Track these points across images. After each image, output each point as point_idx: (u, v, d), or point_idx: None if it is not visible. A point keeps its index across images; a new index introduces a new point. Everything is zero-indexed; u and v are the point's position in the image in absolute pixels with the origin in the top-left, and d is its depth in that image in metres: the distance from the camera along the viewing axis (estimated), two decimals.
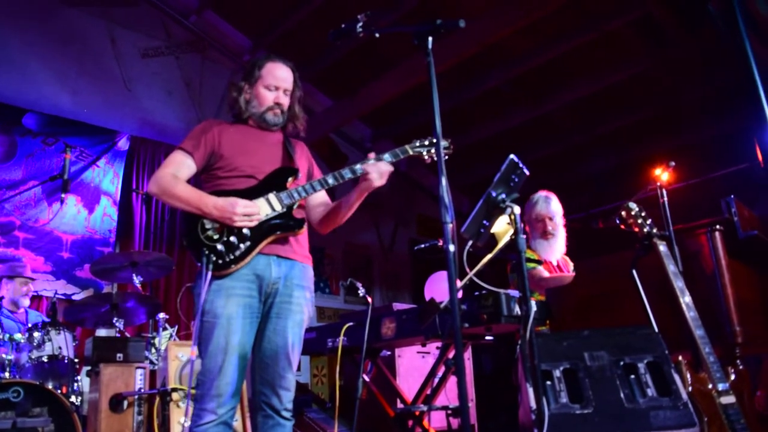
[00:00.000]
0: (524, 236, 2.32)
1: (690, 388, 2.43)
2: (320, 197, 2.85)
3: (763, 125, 3.11)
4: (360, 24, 2.41)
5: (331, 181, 2.64)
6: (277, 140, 2.81)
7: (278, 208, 2.57)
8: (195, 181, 2.67)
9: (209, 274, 2.43)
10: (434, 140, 2.60)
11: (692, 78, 7.08)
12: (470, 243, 2.41)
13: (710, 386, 2.52)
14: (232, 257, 2.46)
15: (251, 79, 2.77)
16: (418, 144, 2.77)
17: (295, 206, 2.62)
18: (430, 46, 2.22)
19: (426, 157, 2.77)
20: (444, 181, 2.06)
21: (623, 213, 2.89)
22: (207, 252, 2.45)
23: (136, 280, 4.52)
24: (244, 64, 7.74)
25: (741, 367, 2.71)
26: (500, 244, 2.92)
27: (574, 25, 6.50)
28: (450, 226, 2.03)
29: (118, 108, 6.81)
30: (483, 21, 5.50)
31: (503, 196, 2.34)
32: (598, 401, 2.34)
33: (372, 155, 2.68)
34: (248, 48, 7.79)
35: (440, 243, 3.51)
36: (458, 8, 6.55)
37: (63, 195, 4.07)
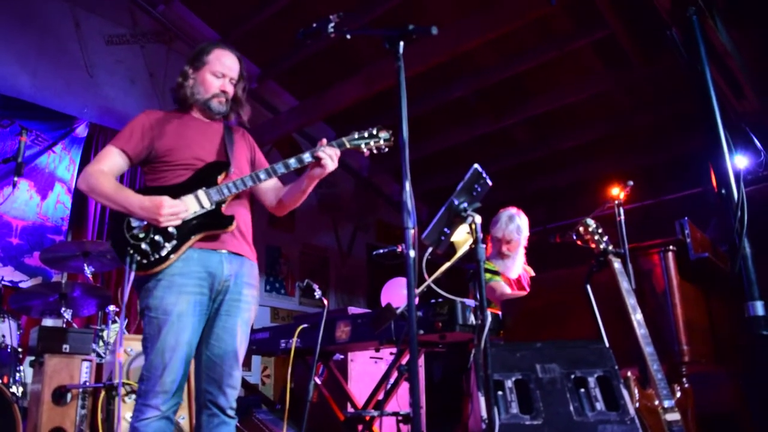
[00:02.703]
0: (484, 246, 2.34)
1: (637, 404, 2.48)
2: (269, 183, 2.79)
3: (718, 151, 3.19)
4: (332, 24, 2.41)
5: (263, 176, 2.61)
6: (217, 131, 2.77)
7: (207, 205, 2.53)
8: (138, 172, 2.62)
9: (132, 274, 2.41)
10: (372, 132, 2.72)
11: (650, 101, 7.27)
12: (430, 250, 2.42)
13: (657, 403, 2.57)
14: (157, 257, 2.44)
15: (198, 64, 2.73)
16: (356, 136, 2.73)
17: (225, 203, 2.57)
18: (401, 50, 2.23)
19: (364, 150, 2.73)
20: (408, 186, 2.06)
21: (581, 229, 2.94)
22: (131, 252, 2.43)
23: (88, 270, 4.41)
24: None
25: (686, 385, 2.77)
26: (459, 253, 2.94)
27: (538, 42, 6.61)
28: (412, 231, 2.04)
29: (78, 94, 6.65)
30: (451, 31, 5.55)
31: (465, 205, 2.35)
32: (548, 413, 2.36)
33: (324, 141, 2.66)
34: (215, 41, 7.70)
35: (399, 249, 3.53)
36: (427, 16, 6.61)
37: (16, 179, 3.94)
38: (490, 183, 2.44)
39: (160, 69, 7.46)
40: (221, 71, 2.72)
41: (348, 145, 2.71)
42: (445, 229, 2.36)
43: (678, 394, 2.68)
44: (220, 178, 2.60)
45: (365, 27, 6.55)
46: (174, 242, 2.46)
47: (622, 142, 7.86)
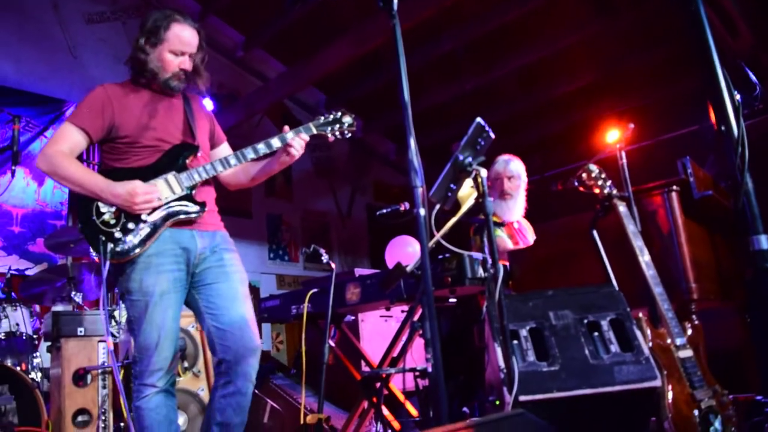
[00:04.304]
0: (491, 199, 2.35)
1: (650, 344, 2.52)
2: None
3: (717, 88, 3.19)
4: None
5: (233, 161, 2.60)
6: (178, 106, 2.69)
7: (178, 191, 2.51)
8: (96, 150, 2.57)
9: (108, 263, 2.37)
10: (337, 115, 2.73)
11: (639, 44, 7.19)
12: (437, 207, 2.43)
13: (669, 341, 2.61)
14: (131, 244, 2.39)
15: (154, 40, 2.57)
16: (322, 121, 2.72)
17: (195, 188, 2.55)
18: (395, 8, 2.19)
19: (329, 136, 2.73)
20: (413, 144, 2.05)
21: (584, 175, 2.95)
22: (104, 239, 2.36)
23: (93, 252, 4.41)
24: None
25: (696, 322, 2.81)
26: (464, 208, 2.95)
27: None
28: (420, 189, 2.04)
29: (64, 76, 6.57)
30: None
31: (470, 159, 2.36)
32: (564, 358, 2.40)
33: (287, 128, 2.65)
34: (197, 12, 7.56)
35: (402, 208, 3.55)
36: None
37: (14, 168, 3.92)
38: (493, 136, 2.44)
39: None
40: (180, 49, 2.58)
41: (314, 131, 2.70)
42: (452, 185, 2.37)
43: (689, 332, 2.72)
44: (188, 161, 2.57)
45: None
46: (147, 230, 2.42)
47: (613, 86, 7.80)
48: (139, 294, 2.42)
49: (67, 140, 2.45)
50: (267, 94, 7.57)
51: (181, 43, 2.58)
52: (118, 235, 2.39)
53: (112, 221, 2.40)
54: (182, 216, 2.51)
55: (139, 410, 2.44)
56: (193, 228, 2.55)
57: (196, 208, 2.54)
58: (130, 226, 2.40)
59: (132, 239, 2.40)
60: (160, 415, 2.44)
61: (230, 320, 2.52)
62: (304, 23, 7.35)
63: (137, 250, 2.40)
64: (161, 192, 2.47)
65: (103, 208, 2.41)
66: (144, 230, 2.42)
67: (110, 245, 2.36)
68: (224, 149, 2.85)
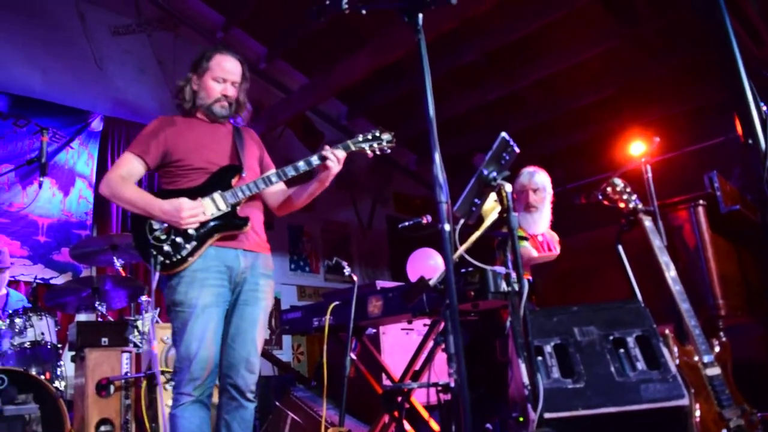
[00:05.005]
0: (516, 214, 2.34)
1: (677, 361, 2.48)
2: (276, 185, 2.91)
3: (743, 100, 3.13)
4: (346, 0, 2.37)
5: (274, 179, 2.75)
6: (226, 132, 2.89)
7: (223, 207, 2.67)
8: (154, 177, 2.73)
9: (157, 274, 2.58)
10: (375, 134, 2.86)
11: (660, 54, 7.13)
12: (462, 221, 2.42)
13: (696, 358, 2.57)
14: (179, 257, 2.58)
15: (199, 70, 2.83)
16: (360, 139, 2.85)
17: (239, 205, 2.71)
18: (420, 22, 2.20)
19: (368, 152, 2.86)
20: (438, 158, 2.05)
21: (608, 189, 2.92)
22: (155, 253, 2.57)
23: (118, 263, 4.47)
24: (217, 40, 7.62)
25: (724, 338, 2.77)
26: (487, 221, 2.94)
27: (546, 1, 6.48)
28: (445, 205, 2.03)
29: (90, 87, 6.67)
30: None
31: (494, 174, 2.34)
32: (589, 375, 2.37)
33: (327, 147, 2.78)
34: (221, 25, 7.66)
35: (424, 220, 3.54)
36: None
37: (41, 178, 4.00)
38: (517, 150, 2.43)
39: (168, 56, 7.44)
40: (222, 76, 2.81)
41: (353, 148, 2.83)
42: (476, 200, 2.36)
43: (716, 349, 2.68)
44: (233, 180, 2.74)
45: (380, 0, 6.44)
46: (194, 243, 2.60)
47: (636, 97, 7.74)
48: (183, 306, 2.59)
49: (125, 166, 2.71)
50: (289, 106, 7.62)
51: (222, 70, 2.81)
52: (167, 248, 2.58)
53: (163, 237, 2.59)
54: (227, 231, 2.68)
55: (174, 418, 2.57)
56: (238, 247, 2.71)
57: (239, 223, 2.70)
58: (179, 240, 2.59)
59: (179, 253, 2.59)
60: (193, 425, 2.56)
61: (242, 341, 2.69)
62: (325, 35, 7.39)
63: (184, 264, 2.59)
64: (207, 209, 2.64)
65: (155, 225, 2.61)
66: (190, 245, 2.60)
67: (160, 258, 2.56)
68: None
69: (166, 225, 2.60)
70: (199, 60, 2.86)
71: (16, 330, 4.09)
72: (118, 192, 2.65)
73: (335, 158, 2.73)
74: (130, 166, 2.72)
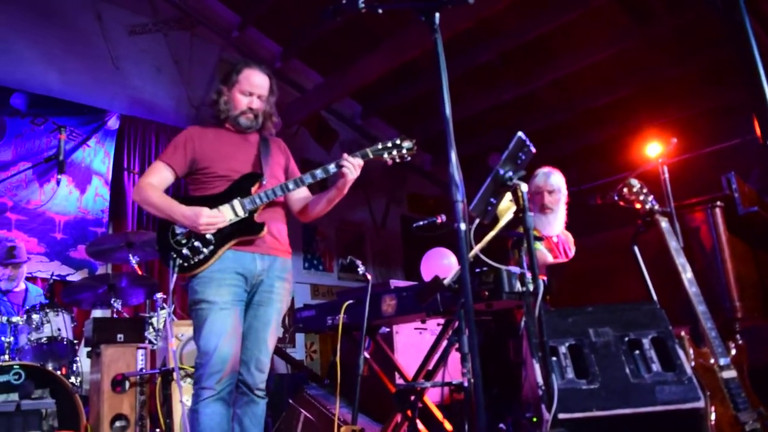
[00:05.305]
0: (532, 214, 2.33)
1: (693, 363, 2.47)
2: (300, 192, 3.02)
3: (762, 101, 3.11)
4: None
5: (291, 186, 2.83)
6: (253, 142, 3.00)
7: (241, 213, 2.78)
8: (182, 184, 2.95)
9: (175, 275, 2.72)
10: (396, 142, 2.91)
11: (677, 55, 7.07)
12: (477, 221, 2.42)
13: (712, 361, 2.55)
14: (196, 260, 2.72)
15: (229, 83, 2.97)
16: (380, 147, 2.90)
17: (257, 211, 2.81)
18: (437, 22, 2.20)
19: (387, 160, 2.91)
20: (454, 157, 2.05)
21: (625, 189, 2.90)
22: (174, 255, 2.72)
23: (133, 260, 4.50)
24: (233, 40, 7.65)
25: (740, 341, 2.75)
26: (502, 221, 2.93)
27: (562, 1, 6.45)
28: (461, 204, 2.04)
29: (106, 86, 6.71)
30: None
31: (510, 173, 2.33)
32: (604, 377, 2.37)
33: (345, 155, 2.84)
34: (237, 24, 7.68)
35: (438, 220, 3.54)
36: None
37: (59, 176, 4.05)
38: (533, 150, 2.42)
39: (184, 55, 7.48)
40: (249, 90, 2.94)
41: (371, 156, 2.88)
42: (492, 199, 2.35)
43: (733, 351, 2.66)
44: (253, 188, 2.84)
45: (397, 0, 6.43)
46: (211, 247, 2.73)
47: (652, 98, 7.68)
48: (202, 304, 2.70)
49: (154, 174, 2.87)
50: (304, 105, 7.64)
51: (249, 84, 2.94)
52: (185, 252, 2.72)
53: (183, 241, 2.74)
54: (243, 236, 2.78)
55: (195, 413, 2.63)
56: (255, 251, 2.81)
57: (256, 228, 2.79)
58: (197, 245, 2.72)
59: (197, 256, 2.72)
60: (214, 422, 2.62)
61: (255, 340, 2.81)
62: (340, 34, 7.40)
63: (202, 267, 2.71)
64: (226, 215, 2.76)
65: (178, 230, 2.76)
66: (208, 248, 2.72)
67: (179, 261, 2.71)
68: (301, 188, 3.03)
69: (187, 230, 2.73)
70: (229, 73, 2.99)
71: (33, 326, 4.13)
72: (146, 198, 2.80)
73: (352, 166, 2.79)
74: (160, 174, 2.86)
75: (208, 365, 2.63)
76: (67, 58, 6.46)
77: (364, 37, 7.13)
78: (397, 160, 2.91)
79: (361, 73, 6.86)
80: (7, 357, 3.91)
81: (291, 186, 2.83)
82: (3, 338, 3.96)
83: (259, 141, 3.01)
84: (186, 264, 2.72)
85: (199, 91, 7.45)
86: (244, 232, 2.78)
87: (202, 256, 2.72)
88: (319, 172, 2.82)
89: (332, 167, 2.82)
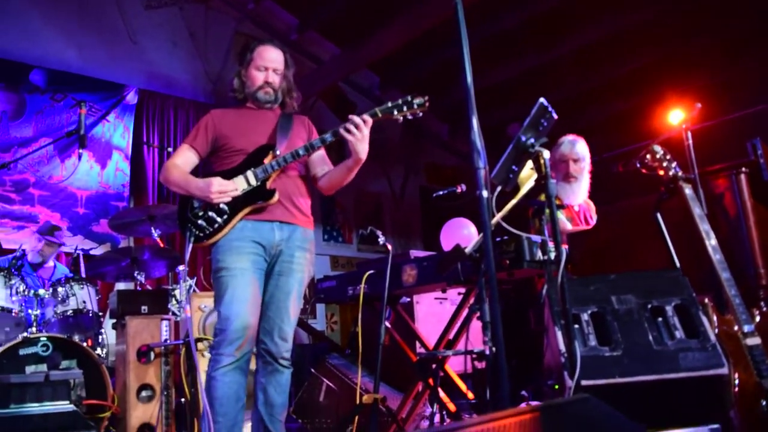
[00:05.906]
0: (554, 181, 2.31)
1: (716, 330, 2.45)
2: (319, 162, 3.05)
3: None
4: None
5: (301, 152, 2.84)
6: (271, 118, 3.03)
7: (253, 182, 2.84)
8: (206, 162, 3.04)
9: (191, 245, 2.81)
10: (407, 98, 2.84)
11: (702, 23, 6.91)
12: (498, 189, 2.40)
13: (736, 328, 2.54)
14: (211, 230, 2.80)
15: (245, 62, 3.05)
16: (389, 105, 2.85)
17: (269, 180, 2.85)
18: None
19: (398, 117, 2.86)
20: (476, 123, 2.04)
21: (648, 156, 2.87)
22: (190, 226, 2.82)
23: (155, 233, 4.53)
24: (249, 12, 7.61)
25: (765, 308, 2.72)
26: (523, 190, 2.91)
27: None
28: (483, 171, 2.02)
29: (124, 61, 6.73)
30: None
31: (532, 140, 2.31)
32: (627, 344, 2.36)
33: (351, 116, 2.81)
34: None
35: (458, 189, 3.52)
36: None
37: (81, 150, 4.09)
38: (555, 117, 2.39)
39: (200, 28, 7.46)
40: (263, 65, 3.00)
41: (380, 114, 2.83)
42: (513, 167, 2.33)
43: (757, 319, 2.64)
44: (266, 159, 2.88)
45: None
46: (225, 216, 2.80)
47: (677, 65, 7.53)
48: (221, 271, 2.76)
49: (179, 156, 2.98)
50: (321, 77, 7.59)
51: (263, 59, 3.00)
52: (201, 222, 2.80)
53: (200, 213, 2.82)
54: (255, 203, 2.82)
55: (212, 380, 2.68)
56: (273, 220, 2.85)
57: (267, 195, 2.83)
58: (212, 215, 2.80)
59: (212, 226, 2.79)
60: (231, 390, 2.68)
61: (276, 309, 2.85)
62: (357, 4, 7.32)
63: (218, 235, 2.79)
64: (239, 185, 2.82)
65: (195, 203, 2.84)
66: (222, 218, 2.80)
67: (195, 231, 2.80)
68: (319, 156, 3.08)
69: (203, 203, 2.80)
70: (243, 53, 3.08)
71: (59, 299, 4.20)
72: (167, 177, 2.93)
73: (356, 123, 2.74)
74: (183, 156, 2.97)
75: (228, 331, 2.68)
76: (85, 33, 6.48)
77: (381, 7, 7.05)
78: (409, 117, 2.86)
79: (379, 44, 6.79)
80: (34, 329, 3.98)
81: (302, 152, 2.84)
82: (30, 311, 4.04)
83: (279, 116, 3.05)
84: (201, 234, 2.79)
85: (215, 64, 7.44)
86: (255, 199, 2.83)
87: (216, 225, 2.79)
88: (327, 136, 2.83)
89: (341, 129, 2.79)
